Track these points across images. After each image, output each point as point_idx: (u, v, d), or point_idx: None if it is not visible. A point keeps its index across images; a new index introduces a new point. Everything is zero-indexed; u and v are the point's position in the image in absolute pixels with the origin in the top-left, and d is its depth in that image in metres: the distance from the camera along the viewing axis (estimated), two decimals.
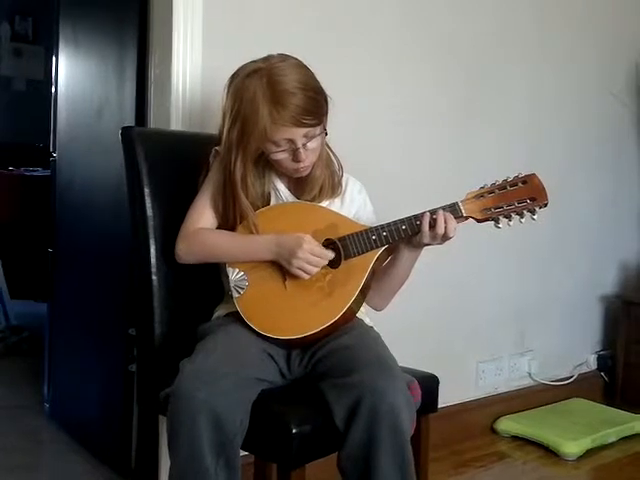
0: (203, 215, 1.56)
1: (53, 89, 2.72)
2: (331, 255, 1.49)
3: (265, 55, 1.52)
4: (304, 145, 1.50)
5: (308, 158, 1.53)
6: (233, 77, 1.52)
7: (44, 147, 3.45)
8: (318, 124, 1.51)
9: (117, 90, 2.29)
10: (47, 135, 2.80)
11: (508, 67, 2.78)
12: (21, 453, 2.47)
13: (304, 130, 1.49)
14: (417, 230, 1.49)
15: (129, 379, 2.18)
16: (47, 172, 3.14)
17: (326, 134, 1.55)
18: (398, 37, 2.44)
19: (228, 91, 1.52)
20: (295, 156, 1.51)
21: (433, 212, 1.49)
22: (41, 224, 3.18)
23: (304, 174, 1.57)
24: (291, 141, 1.50)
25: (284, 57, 1.52)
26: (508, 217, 1.49)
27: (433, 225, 1.48)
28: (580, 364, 3.20)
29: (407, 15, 2.45)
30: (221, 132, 1.53)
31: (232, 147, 1.51)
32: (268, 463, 1.87)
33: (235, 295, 1.50)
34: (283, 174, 1.61)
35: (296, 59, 1.53)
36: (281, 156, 1.52)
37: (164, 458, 1.98)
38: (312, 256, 1.46)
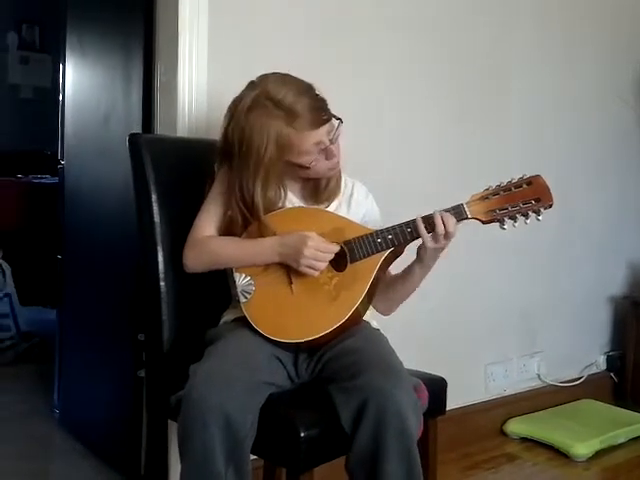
0: (209, 224, 1.57)
1: (60, 97, 2.74)
2: (336, 248, 1.50)
3: (247, 84, 1.53)
4: (331, 140, 1.53)
5: (339, 151, 1.57)
6: (232, 116, 1.52)
7: (52, 154, 3.47)
8: (330, 116, 1.54)
9: (124, 97, 2.31)
10: (55, 142, 2.82)
11: (509, 69, 2.78)
12: (31, 459, 2.48)
13: (325, 127, 1.52)
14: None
15: (138, 384, 2.19)
16: (55, 179, 3.15)
17: (342, 121, 1.56)
18: (399, 39, 2.44)
19: (230, 129, 1.52)
20: (329, 154, 1.55)
21: (429, 216, 1.50)
22: (50, 231, 3.20)
23: (338, 169, 1.61)
24: (319, 143, 1.52)
25: (265, 77, 1.53)
26: (513, 218, 1.49)
27: (432, 228, 1.49)
28: (589, 365, 3.19)
29: (408, 18, 2.46)
30: (228, 163, 1.54)
31: (247, 176, 1.51)
32: (277, 467, 1.87)
33: (242, 300, 1.51)
34: (292, 180, 1.62)
35: (276, 72, 1.54)
36: (317, 162, 1.54)
37: (173, 463, 1.98)
38: (318, 252, 1.47)
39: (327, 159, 1.55)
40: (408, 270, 1.60)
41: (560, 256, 3.01)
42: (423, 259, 1.54)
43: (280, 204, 1.59)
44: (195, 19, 2.00)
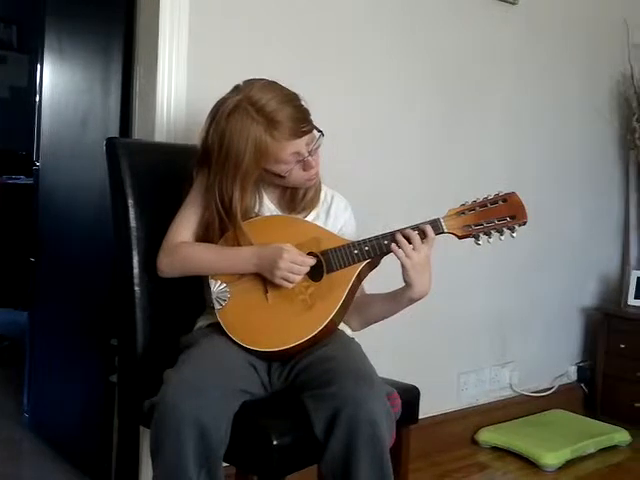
0: (185, 230, 1.56)
1: (37, 97, 2.72)
2: (312, 262, 1.50)
3: (233, 87, 1.53)
4: (310, 152, 1.53)
5: (317, 163, 1.57)
6: (214, 118, 1.52)
7: (27, 155, 3.43)
8: (312, 128, 1.54)
9: (102, 100, 2.29)
10: (30, 143, 2.79)
11: (490, 82, 2.81)
12: (0, 463, 2.44)
13: (305, 138, 1.52)
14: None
15: (110, 389, 2.17)
16: (30, 180, 3.12)
17: (323, 135, 1.56)
18: (382, 50, 2.46)
19: (211, 132, 1.51)
20: (306, 165, 1.54)
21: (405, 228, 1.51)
22: (23, 232, 3.16)
23: (315, 181, 1.60)
24: (297, 154, 1.52)
25: (251, 82, 1.53)
26: (488, 234, 1.51)
27: (408, 240, 1.49)
28: (560, 375, 3.22)
29: (392, 29, 2.48)
30: (207, 165, 1.53)
31: (227, 180, 1.50)
32: (249, 475, 1.86)
33: (217, 307, 1.51)
34: (270, 188, 1.62)
35: (262, 79, 1.54)
36: (293, 171, 1.54)
37: (144, 469, 1.97)
38: (293, 264, 1.47)
39: (304, 170, 1.55)
40: (394, 294, 1.58)
41: (533, 267, 3.05)
42: (409, 283, 1.51)
43: (256, 210, 1.59)
44: (176, 22, 2.00)
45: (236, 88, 1.53)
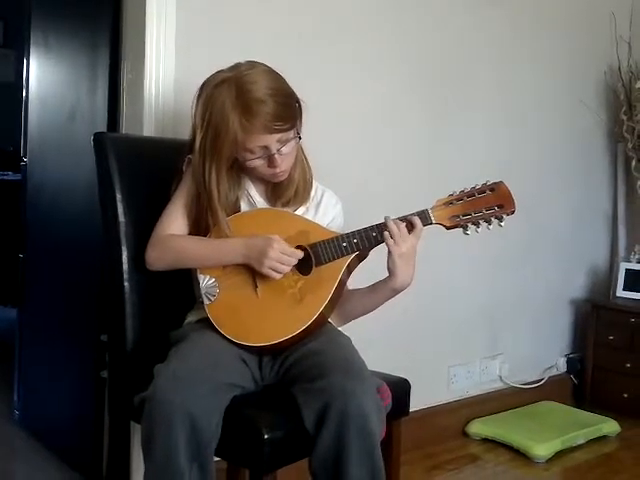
0: (174, 222, 1.56)
1: (24, 93, 2.70)
2: (301, 254, 1.50)
3: (234, 63, 1.53)
4: (279, 150, 1.51)
5: (284, 163, 1.54)
6: (202, 87, 1.52)
7: (14, 151, 3.40)
8: (290, 128, 1.52)
9: (89, 95, 2.28)
10: (18, 139, 2.77)
11: (480, 75, 2.82)
12: None
13: (277, 136, 1.50)
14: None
15: (101, 385, 2.17)
16: (18, 176, 3.10)
17: (300, 138, 1.56)
18: (369, 48, 2.46)
19: (198, 102, 1.52)
20: (271, 162, 1.52)
21: (394, 219, 1.51)
22: (11, 229, 3.15)
23: (282, 178, 1.58)
24: (265, 147, 1.51)
25: (252, 64, 1.52)
26: (476, 224, 1.51)
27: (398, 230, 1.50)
28: (550, 367, 3.24)
29: (381, 20, 2.48)
30: (192, 142, 1.53)
31: (205, 157, 1.51)
32: (240, 468, 1.87)
33: (206, 302, 1.50)
34: (258, 180, 1.62)
35: (265, 65, 1.53)
36: (257, 163, 1.53)
37: (136, 465, 1.97)
38: (283, 255, 1.46)
39: (268, 166, 1.54)
40: (375, 286, 1.58)
41: (522, 260, 3.06)
42: (393, 271, 1.52)
43: (244, 202, 1.59)
44: (162, 16, 1.99)
45: (236, 65, 1.52)
